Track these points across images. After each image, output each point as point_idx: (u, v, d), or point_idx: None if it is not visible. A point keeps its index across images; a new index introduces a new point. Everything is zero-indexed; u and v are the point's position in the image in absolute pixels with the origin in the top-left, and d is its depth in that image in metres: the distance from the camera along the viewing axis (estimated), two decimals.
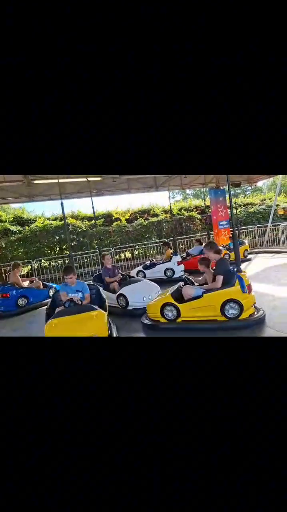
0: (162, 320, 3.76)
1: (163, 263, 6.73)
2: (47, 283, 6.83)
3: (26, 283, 6.41)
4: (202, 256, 4.57)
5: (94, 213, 5.88)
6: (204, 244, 4.05)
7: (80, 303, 3.33)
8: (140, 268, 6.98)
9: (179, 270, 6.60)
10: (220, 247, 4.01)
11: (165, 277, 6.53)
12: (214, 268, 3.68)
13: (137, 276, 6.45)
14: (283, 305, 3.97)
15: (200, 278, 3.98)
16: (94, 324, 2.93)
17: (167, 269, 6.60)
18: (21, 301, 6.03)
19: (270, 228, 10.49)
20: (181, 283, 4.00)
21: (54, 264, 9.11)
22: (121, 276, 5.19)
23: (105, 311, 3.31)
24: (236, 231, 7.51)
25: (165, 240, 9.52)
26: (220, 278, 3.48)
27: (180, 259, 6.73)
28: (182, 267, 6.73)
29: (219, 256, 3.69)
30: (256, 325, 3.33)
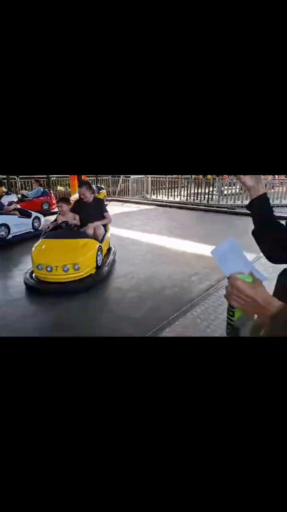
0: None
1: None
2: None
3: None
4: (62, 197, 4.87)
5: None
6: (80, 184, 4.17)
7: None
8: None
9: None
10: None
11: None
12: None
13: None
14: (126, 244, 5.23)
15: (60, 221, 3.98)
16: None
17: None
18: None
19: (122, 180, 11.70)
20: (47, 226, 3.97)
21: None
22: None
23: None
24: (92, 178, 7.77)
25: None
26: (108, 214, 4.07)
27: (13, 200, 6.19)
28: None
29: (93, 195, 4.11)
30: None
